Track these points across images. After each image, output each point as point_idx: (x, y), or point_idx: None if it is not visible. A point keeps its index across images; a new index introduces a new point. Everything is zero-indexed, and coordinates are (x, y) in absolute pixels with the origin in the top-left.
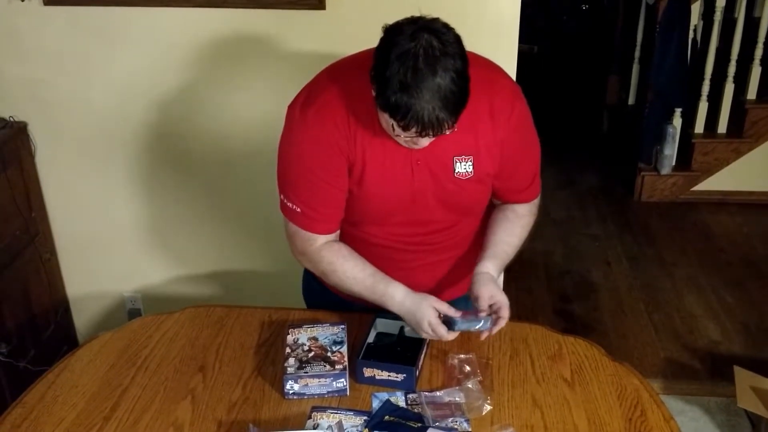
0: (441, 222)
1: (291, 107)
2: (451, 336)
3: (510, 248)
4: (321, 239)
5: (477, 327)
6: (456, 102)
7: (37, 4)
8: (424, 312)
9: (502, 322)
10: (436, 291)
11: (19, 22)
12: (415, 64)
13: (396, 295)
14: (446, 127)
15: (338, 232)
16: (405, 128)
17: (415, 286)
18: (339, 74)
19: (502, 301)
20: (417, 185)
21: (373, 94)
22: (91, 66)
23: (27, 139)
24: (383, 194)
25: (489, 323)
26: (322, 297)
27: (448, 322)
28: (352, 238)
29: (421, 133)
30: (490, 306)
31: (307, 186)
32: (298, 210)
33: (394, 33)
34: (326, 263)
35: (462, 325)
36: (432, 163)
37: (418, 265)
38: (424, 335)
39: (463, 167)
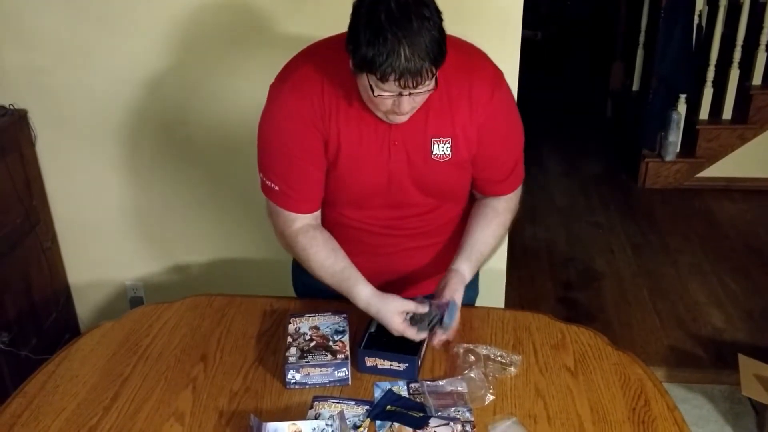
0: (419, 206)
1: (270, 86)
2: (421, 335)
3: (486, 248)
4: (300, 221)
5: (445, 322)
6: (433, 49)
7: None
8: (389, 318)
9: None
10: (416, 280)
11: (20, 9)
12: (387, 9)
13: (361, 295)
14: (425, 75)
15: (318, 213)
16: (382, 79)
17: (394, 273)
18: (315, 52)
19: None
20: (393, 166)
21: (350, 62)
22: (92, 53)
23: (27, 126)
24: (358, 175)
25: (454, 315)
26: (310, 285)
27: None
28: (329, 220)
29: (399, 82)
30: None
31: (283, 163)
32: (276, 188)
33: None
34: (300, 248)
35: (427, 325)
36: (409, 144)
37: (396, 251)
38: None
39: (441, 149)
